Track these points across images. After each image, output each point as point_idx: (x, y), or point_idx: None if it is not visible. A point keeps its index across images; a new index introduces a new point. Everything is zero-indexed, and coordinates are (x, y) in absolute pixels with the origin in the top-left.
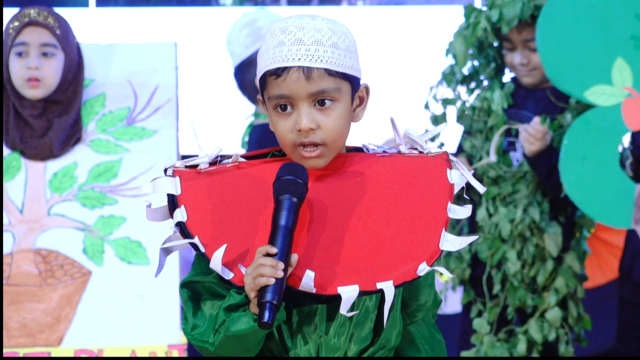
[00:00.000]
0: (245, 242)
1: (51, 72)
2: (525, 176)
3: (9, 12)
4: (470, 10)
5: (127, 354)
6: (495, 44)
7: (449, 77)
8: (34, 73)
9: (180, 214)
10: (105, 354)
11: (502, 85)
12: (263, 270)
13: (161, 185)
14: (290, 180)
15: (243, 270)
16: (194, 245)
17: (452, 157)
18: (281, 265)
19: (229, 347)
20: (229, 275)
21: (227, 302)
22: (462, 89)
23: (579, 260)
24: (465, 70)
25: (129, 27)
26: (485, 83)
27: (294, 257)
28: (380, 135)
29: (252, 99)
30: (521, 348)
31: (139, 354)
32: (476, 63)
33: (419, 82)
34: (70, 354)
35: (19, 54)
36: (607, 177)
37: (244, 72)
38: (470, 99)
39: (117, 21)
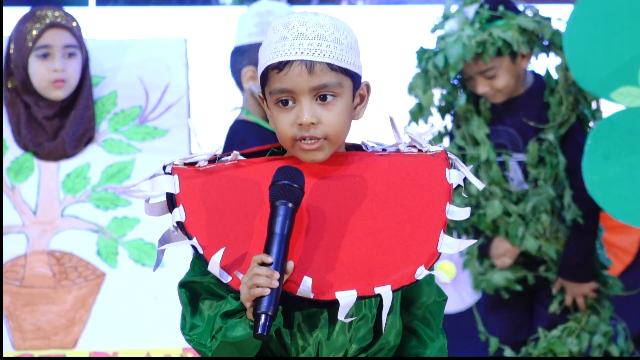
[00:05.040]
0: (242, 245)
1: (74, 72)
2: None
3: (8, 12)
4: (421, 53)
5: (142, 356)
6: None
7: (417, 115)
8: (60, 75)
9: (179, 214)
10: (120, 356)
11: (477, 108)
12: (258, 280)
13: (160, 184)
14: (286, 185)
15: (240, 276)
16: (193, 246)
17: (450, 155)
18: (276, 274)
19: (226, 353)
20: (226, 279)
21: (224, 308)
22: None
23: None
24: (434, 104)
25: (130, 26)
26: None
27: (290, 265)
28: (380, 134)
29: (239, 85)
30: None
31: (154, 356)
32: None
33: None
34: (85, 356)
35: (43, 56)
36: (630, 177)
37: (237, 57)
38: (447, 123)
39: (118, 20)
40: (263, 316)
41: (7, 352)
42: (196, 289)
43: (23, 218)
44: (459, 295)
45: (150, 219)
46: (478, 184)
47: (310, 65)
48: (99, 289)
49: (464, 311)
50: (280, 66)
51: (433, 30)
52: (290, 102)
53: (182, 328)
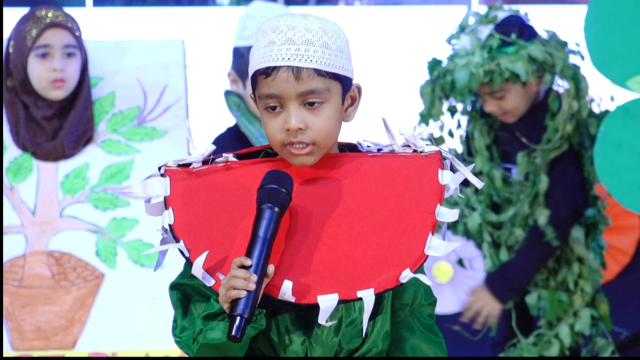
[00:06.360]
0: (227, 248)
1: (73, 72)
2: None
3: (7, 12)
4: (433, 65)
5: (141, 357)
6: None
7: (427, 117)
8: (60, 74)
9: (168, 216)
10: (119, 357)
11: (482, 114)
12: (235, 282)
13: (151, 186)
14: (273, 190)
15: (222, 278)
16: (179, 250)
17: (446, 155)
18: (254, 277)
19: (208, 354)
20: (210, 282)
21: (206, 311)
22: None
23: (599, 258)
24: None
25: (127, 27)
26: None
27: (271, 268)
28: (375, 136)
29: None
30: (554, 350)
31: (153, 357)
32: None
33: (416, 83)
34: (84, 357)
35: (42, 56)
36: None
37: (233, 57)
38: (457, 124)
39: (114, 21)
40: (238, 318)
41: (6, 352)
42: (187, 291)
43: (22, 218)
44: (456, 296)
45: (149, 219)
46: (477, 183)
47: (297, 71)
48: (98, 290)
49: (461, 312)
50: (268, 71)
51: (449, 40)
52: (279, 107)
53: (173, 330)
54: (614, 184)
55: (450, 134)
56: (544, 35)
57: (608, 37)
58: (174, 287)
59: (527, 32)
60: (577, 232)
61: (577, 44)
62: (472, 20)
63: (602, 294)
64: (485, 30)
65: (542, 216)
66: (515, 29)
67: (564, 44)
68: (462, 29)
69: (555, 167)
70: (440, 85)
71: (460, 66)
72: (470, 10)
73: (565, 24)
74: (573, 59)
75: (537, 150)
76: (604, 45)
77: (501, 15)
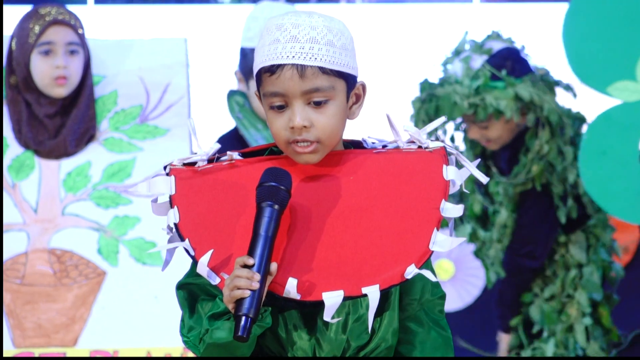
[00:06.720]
0: (233, 246)
1: (76, 70)
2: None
3: (11, 9)
4: (424, 86)
5: (143, 355)
6: None
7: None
8: (62, 72)
9: (174, 215)
10: (121, 355)
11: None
12: (238, 282)
13: (156, 185)
14: (272, 187)
15: (226, 277)
16: (184, 248)
17: (450, 150)
18: (257, 276)
19: (215, 354)
20: (215, 281)
21: (211, 310)
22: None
23: (599, 271)
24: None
25: (128, 25)
26: None
27: (274, 266)
28: (380, 133)
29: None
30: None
31: (155, 355)
32: None
33: (417, 80)
34: (86, 355)
35: (45, 53)
36: (626, 173)
37: (239, 56)
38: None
39: (116, 19)
40: (243, 318)
41: (8, 350)
42: (193, 290)
43: (24, 216)
44: (458, 294)
45: (152, 217)
46: (482, 178)
47: (301, 69)
48: (100, 288)
49: (462, 310)
50: (273, 69)
51: (443, 64)
52: (283, 106)
53: (181, 329)
54: (599, 192)
55: (452, 139)
56: (538, 63)
57: (587, 44)
58: (180, 286)
59: (519, 67)
60: (578, 238)
61: (570, 85)
62: (468, 47)
63: (605, 306)
64: (479, 60)
65: (492, 249)
66: (508, 64)
67: (555, 83)
68: (457, 53)
69: (522, 203)
70: (425, 110)
71: (446, 95)
72: (466, 37)
73: (549, 22)
74: (565, 96)
75: (504, 182)
76: (584, 52)
77: (497, 45)
